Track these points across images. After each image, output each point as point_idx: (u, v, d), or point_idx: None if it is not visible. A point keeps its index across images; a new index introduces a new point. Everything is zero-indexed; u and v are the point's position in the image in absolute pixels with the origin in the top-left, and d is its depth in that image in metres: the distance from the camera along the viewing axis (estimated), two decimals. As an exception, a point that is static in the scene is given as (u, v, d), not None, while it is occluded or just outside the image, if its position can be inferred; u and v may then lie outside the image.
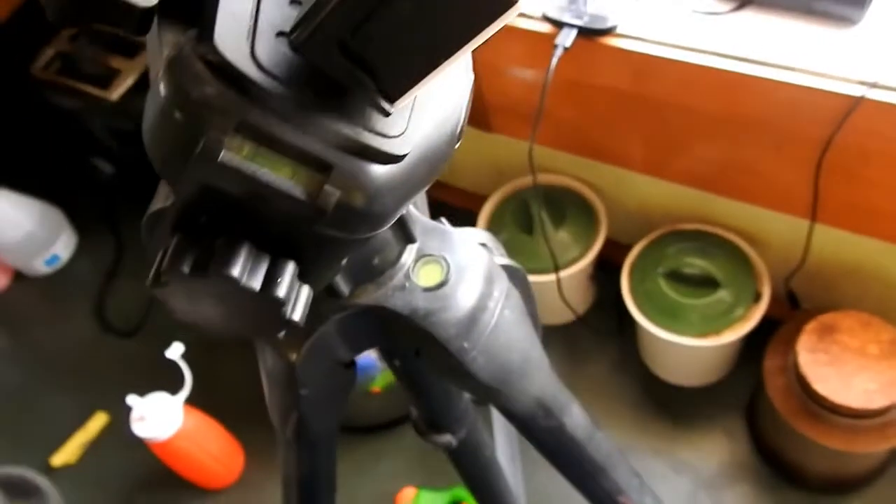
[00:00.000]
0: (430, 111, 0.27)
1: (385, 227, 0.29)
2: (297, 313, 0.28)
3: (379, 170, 0.26)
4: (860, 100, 0.74)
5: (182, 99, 0.24)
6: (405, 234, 0.39)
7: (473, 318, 0.39)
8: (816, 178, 0.82)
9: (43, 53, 1.43)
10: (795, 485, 1.03)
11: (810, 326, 0.90)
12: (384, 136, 0.25)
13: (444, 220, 0.44)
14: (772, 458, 1.04)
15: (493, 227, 1.12)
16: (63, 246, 1.47)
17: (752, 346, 1.01)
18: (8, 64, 1.43)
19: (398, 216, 0.29)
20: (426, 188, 0.30)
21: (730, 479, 1.07)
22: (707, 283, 1.00)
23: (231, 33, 0.24)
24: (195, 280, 0.26)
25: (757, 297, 0.99)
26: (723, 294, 0.99)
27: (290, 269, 0.27)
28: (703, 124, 0.90)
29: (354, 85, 0.24)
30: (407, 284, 0.39)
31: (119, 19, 0.24)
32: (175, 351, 1.00)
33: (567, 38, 0.84)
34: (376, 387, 1.11)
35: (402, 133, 0.26)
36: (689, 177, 1.00)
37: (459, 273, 0.39)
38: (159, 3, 0.24)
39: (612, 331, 1.20)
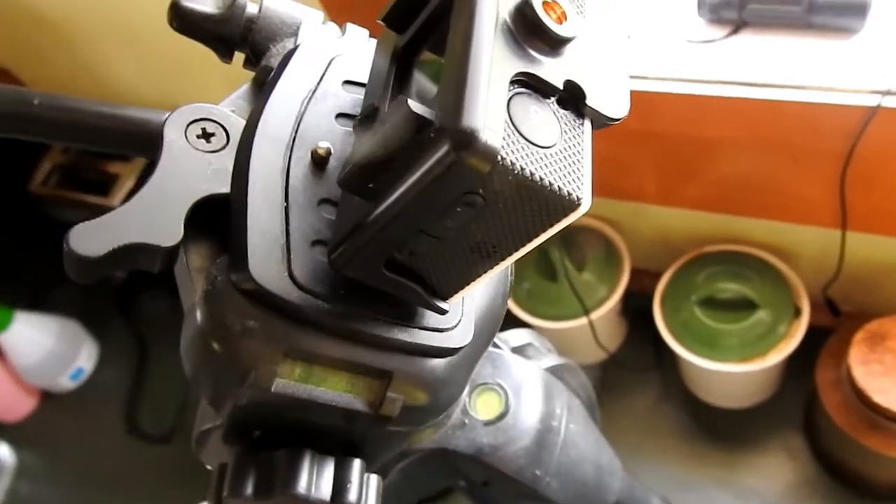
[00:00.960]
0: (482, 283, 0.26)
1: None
2: None
3: (441, 363, 0.24)
4: (876, 109, 0.72)
5: (224, 333, 0.22)
6: None
7: (541, 443, 0.37)
8: (842, 190, 0.80)
9: (39, 169, 1.43)
10: (864, 496, 1.00)
11: (859, 337, 0.88)
12: (440, 330, 0.24)
13: None
14: (837, 471, 1.01)
15: (515, 279, 1.10)
16: (86, 358, 1.45)
17: (799, 357, 0.98)
18: (6, 187, 1.43)
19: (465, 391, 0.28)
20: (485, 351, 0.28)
21: (797, 499, 1.03)
22: (744, 306, 0.98)
23: (265, 256, 0.22)
24: (260, 500, 0.24)
25: (797, 312, 0.97)
26: (761, 315, 0.97)
27: (357, 468, 0.26)
28: (715, 151, 0.89)
29: (404, 294, 0.22)
30: (467, 421, 0.37)
31: (145, 262, 0.23)
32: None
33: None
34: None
35: (458, 322, 0.24)
36: (708, 202, 0.98)
37: (518, 398, 0.37)
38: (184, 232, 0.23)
39: (650, 363, 1.18)
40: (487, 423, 0.37)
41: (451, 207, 0.19)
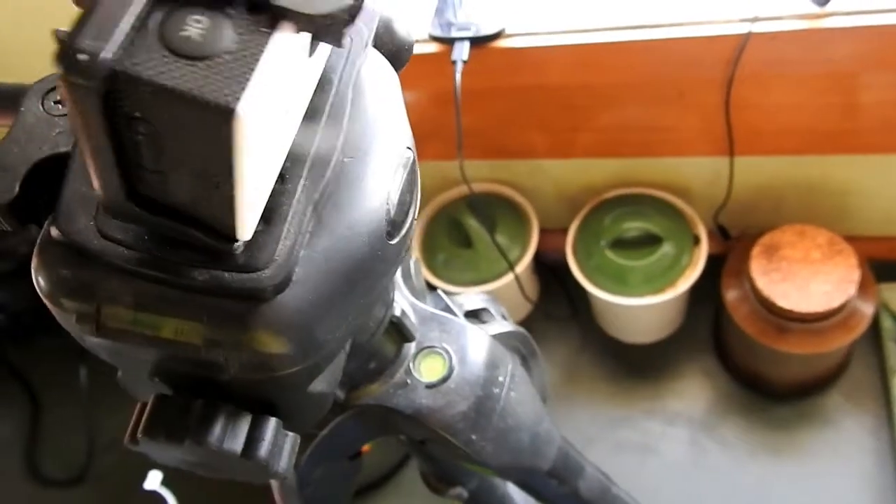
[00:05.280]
0: (330, 216, 0.25)
1: (338, 350, 0.29)
2: (282, 464, 0.27)
3: (269, 307, 0.24)
4: (748, 36, 0.78)
5: (46, 283, 0.24)
6: (402, 335, 0.39)
7: (479, 409, 0.38)
8: (727, 117, 0.87)
9: None
10: (778, 399, 1.09)
11: (756, 251, 0.95)
12: (246, 271, 0.23)
13: (440, 292, 0.43)
14: (750, 382, 1.10)
15: (428, 251, 1.11)
16: (-28, 413, 1.33)
17: (698, 286, 1.05)
18: None
19: (346, 332, 0.28)
20: (372, 296, 0.28)
21: (720, 414, 1.11)
22: (649, 241, 1.04)
23: (75, 209, 0.23)
24: (173, 445, 0.25)
25: (696, 241, 1.03)
26: (666, 247, 1.03)
27: (272, 425, 0.27)
28: (604, 98, 0.93)
29: (183, 236, 0.22)
30: (409, 381, 0.38)
31: None
32: (153, 481, 0.93)
33: (462, 51, 0.85)
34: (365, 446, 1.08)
35: (272, 260, 0.23)
36: (600, 149, 1.03)
37: (462, 364, 0.39)
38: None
39: (565, 315, 1.22)
40: (429, 386, 0.38)
41: (128, 136, 0.19)
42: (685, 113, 0.91)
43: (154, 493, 0.95)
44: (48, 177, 0.25)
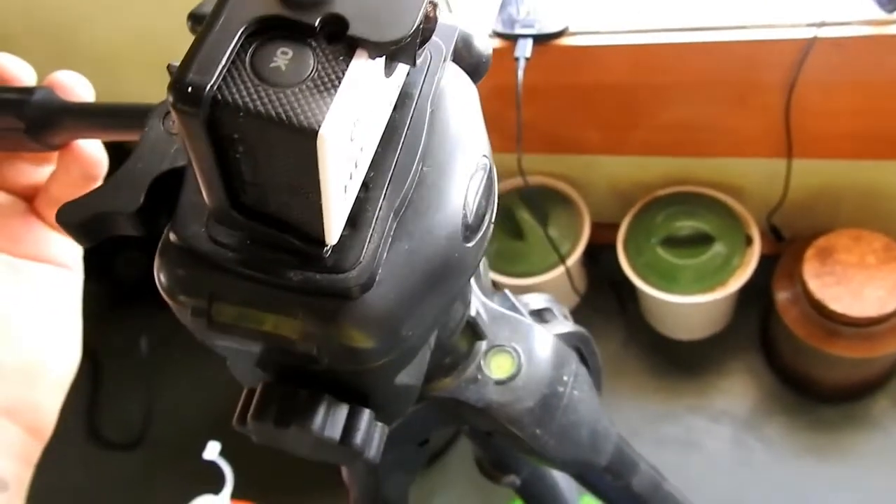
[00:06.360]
0: (410, 221, 0.27)
1: (421, 345, 0.31)
2: (373, 451, 0.29)
3: (356, 304, 0.26)
4: (813, 41, 0.79)
5: (165, 280, 0.27)
6: (476, 333, 0.41)
7: (545, 406, 0.41)
8: (787, 119, 0.87)
9: None
10: (825, 401, 1.09)
11: (809, 254, 0.96)
12: (335, 272, 0.25)
13: (507, 292, 0.46)
14: (799, 383, 1.10)
15: (481, 242, 1.13)
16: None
17: (747, 286, 1.05)
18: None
19: (428, 328, 0.30)
20: (450, 295, 0.29)
21: (765, 413, 1.12)
22: (702, 240, 1.05)
23: (189, 216, 0.26)
24: (279, 429, 0.28)
25: (748, 241, 1.04)
26: (718, 247, 1.04)
27: (367, 416, 0.29)
28: (662, 97, 0.94)
29: (277, 240, 0.25)
30: (479, 377, 0.40)
31: (124, 227, 0.28)
32: (212, 451, 0.97)
33: (525, 48, 0.86)
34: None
35: (357, 262, 0.25)
36: (655, 147, 1.03)
37: (530, 363, 0.41)
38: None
39: (613, 309, 1.23)
40: (498, 382, 0.41)
41: (230, 154, 0.22)
42: (744, 114, 0.91)
43: (211, 463, 0.99)
44: (168, 188, 0.28)
